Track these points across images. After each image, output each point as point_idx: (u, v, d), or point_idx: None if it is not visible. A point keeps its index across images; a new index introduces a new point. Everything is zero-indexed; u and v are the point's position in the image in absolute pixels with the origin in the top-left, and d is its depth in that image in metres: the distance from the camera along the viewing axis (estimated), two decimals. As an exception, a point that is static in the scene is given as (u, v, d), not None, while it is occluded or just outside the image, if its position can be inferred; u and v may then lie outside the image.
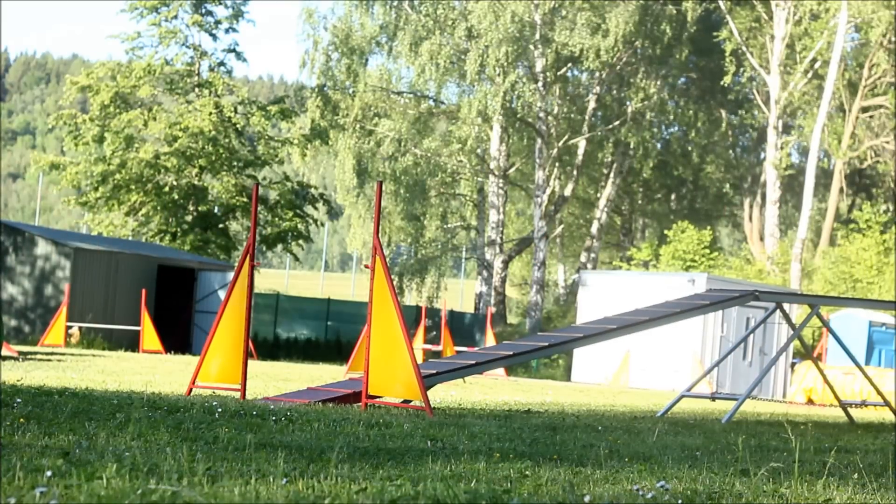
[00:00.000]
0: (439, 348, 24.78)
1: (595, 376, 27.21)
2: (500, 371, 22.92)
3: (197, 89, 37.77)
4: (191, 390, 8.93)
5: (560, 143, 41.47)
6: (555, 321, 42.64)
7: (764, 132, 43.73)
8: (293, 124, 38.78)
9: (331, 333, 35.43)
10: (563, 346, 10.40)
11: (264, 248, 38.39)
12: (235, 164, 37.16)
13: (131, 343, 26.81)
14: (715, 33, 42.23)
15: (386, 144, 40.86)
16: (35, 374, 11.29)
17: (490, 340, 25.34)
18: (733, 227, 53.14)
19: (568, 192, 43.04)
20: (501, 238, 42.07)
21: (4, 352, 15.71)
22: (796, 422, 10.51)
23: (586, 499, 3.60)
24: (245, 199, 36.56)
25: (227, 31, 38.48)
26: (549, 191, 41.63)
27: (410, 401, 8.51)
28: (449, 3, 40.13)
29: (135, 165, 35.62)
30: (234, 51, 38.77)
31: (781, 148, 41.72)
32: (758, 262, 41.24)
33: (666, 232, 42.68)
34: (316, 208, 39.09)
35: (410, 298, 41.95)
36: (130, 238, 37.43)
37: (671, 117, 44.82)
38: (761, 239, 43.88)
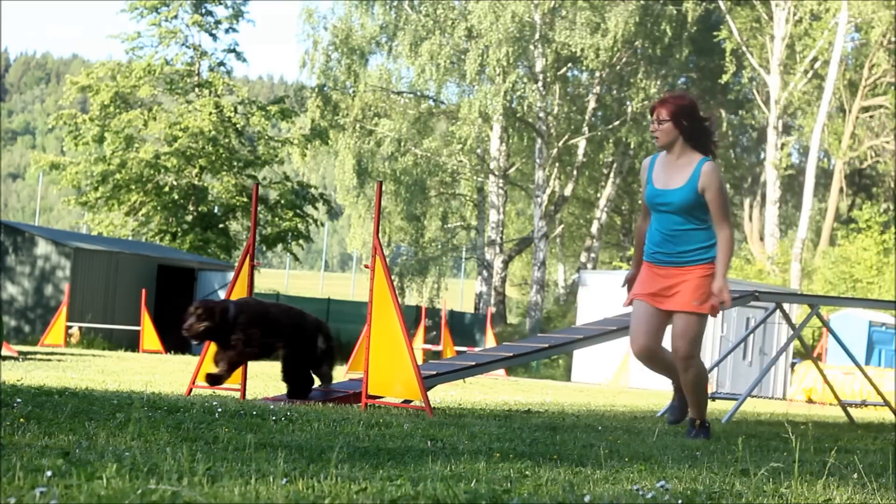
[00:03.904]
0: (439, 348, 24.78)
1: (595, 376, 27.21)
2: (501, 371, 22.92)
3: (197, 89, 37.78)
4: (191, 390, 8.93)
5: (560, 143, 41.47)
6: (555, 321, 42.64)
7: (764, 132, 43.73)
8: (293, 124, 38.78)
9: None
10: (564, 348, 10.39)
11: (264, 248, 38.39)
12: (235, 164, 37.16)
13: (131, 343, 26.80)
14: (715, 33, 42.23)
15: (386, 144, 40.86)
16: (35, 374, 11.28)
17: (490, 340, 25.34)
18: (733, 227, 53.13)
19: (568, 192, 43.05)
20: (501, 238, 42.07)
21: (4, 352, 15.71)
22: (796, 422, 10.51)
23: (586, 499, 3.60)
24: (245, 199, 36.56)
25: (227, 31, 38.51)
26: (549, 191, 41.64)
27: (410, 401, 8.51)
28: (449, 3, 40.13)
29: (135, 165, 35.63)
30: (234, 51, 38.79)
31: (781, 148, 41.73)
32: (758, 262, 41.25)
33: (666, 232, 42.64)
34: (316, 208, 39.10)
35: (410, 298, 41.95)
36: (130, 238, 37.43)
37: (671, 117, 44.76)
38: (761, 239, 43.90)
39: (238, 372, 8.78)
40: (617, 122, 41.56)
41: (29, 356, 16.92)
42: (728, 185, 47.84)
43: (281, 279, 60.88)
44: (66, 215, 76.73)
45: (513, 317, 48.59)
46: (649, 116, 7.19)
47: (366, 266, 8.51)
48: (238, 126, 37.08)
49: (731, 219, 7.33)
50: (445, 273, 45.15)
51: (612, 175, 43.83)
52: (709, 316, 7.15)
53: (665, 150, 7.23)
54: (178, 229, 36.40)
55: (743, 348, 26.76)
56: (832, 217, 42.90)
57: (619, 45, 38.88)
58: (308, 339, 8.65)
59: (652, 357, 7.24)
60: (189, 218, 36.71)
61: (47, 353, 19.15)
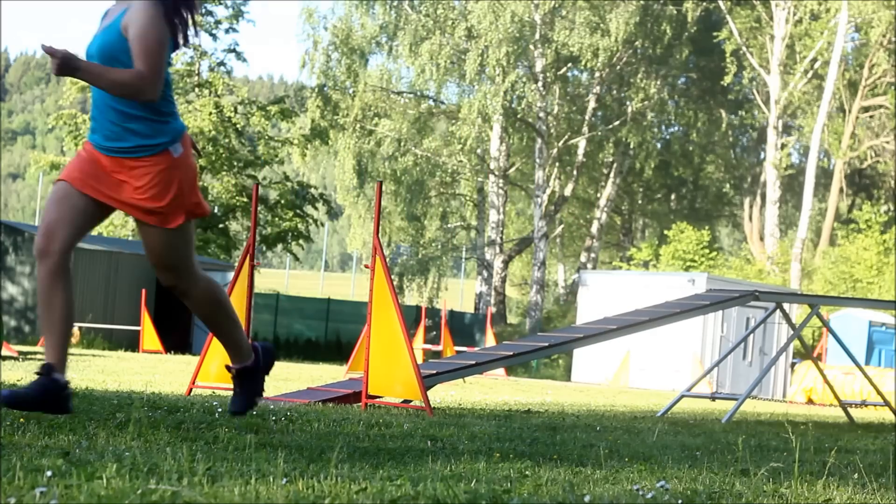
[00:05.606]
0: (439, 348, 24.77)
1: (595, 376, 27.21)
2: (500, 371, 22.92)
3: (197, 89, 37.77)
4: (191, 390, 8.93)
5: (560, 143, 41.47)
6: (555, 321, 42.63)
7: (764, 132, 43.74)
8: (293, 124, 38.77)
9: (331, 333, 35.41)
10: (564, 347, 10.39)
11: (264, 248, 38.39)
12: (235, 164, 37.16)
13: (131, 343, 26.80)
14: (715, 33, 42.24)
15: (386, 144, 40.86)
16: (35, 375, 11.27)
17: (490, 340, 25.32)
18: (733, 227, 53.16)
19: (568, 192, 43.05)
20: (501, 238, 42.07)
21: (4, 352, 15.71)
22: (796, 422, 10.51)
23: (586, 499, 3.60)
24: (245, 199, 36.56)
25: (227, 31, 38.49)
26: (549, 191, 41.64)
27: (410, 401, 8.51)
28: (449, 3, 40.14)
29: (135, 165, 35.62)
30: (234, 51, 38.78)
31: (781, 148, 41.73)
32: (758, 262, 41.25)
33: (666, 232, 42.71)
34: (316, 208, 39.10)
35: (410, 298, 41.95)
36: (130, 238, 37.43)
37: (671, 117, 44.84)
38: (761, 239, 43.90)
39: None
40: (617, 122, 41.56)
41: (29, 356, 16.92)
42: (728, 186, 47.86)
43: (281, 279, 60.87)
44: (66, 215, 76.64)
45: (513, 317, 48.58)
46: None
47: (366, 266, 8.51)
48: (238, 126, 37.07)
49: (153, 62, 4.85)
50: (445, 273, 45.14)
51: (612, 175, 43.83)
52: (180, 228, 5.04)
53: None
54: (178, 229, 36.39)
55: (743, 348, 26.77)
56: (832, 217, 42.90)
57: (619, 45, 38.88)
58: None
59: (52, 264, 4.95)
60: (189, 218, 36.71)
61: (47, 353, 19.11)
